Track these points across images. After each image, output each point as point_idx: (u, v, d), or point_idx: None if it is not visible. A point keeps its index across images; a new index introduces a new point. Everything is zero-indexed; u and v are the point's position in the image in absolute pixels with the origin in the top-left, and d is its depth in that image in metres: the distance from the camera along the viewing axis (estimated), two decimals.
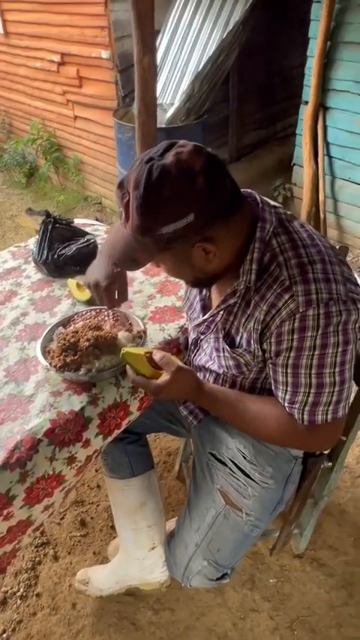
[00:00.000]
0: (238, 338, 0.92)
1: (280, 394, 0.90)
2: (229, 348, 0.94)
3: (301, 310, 0.79)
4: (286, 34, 3.84)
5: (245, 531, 1.10)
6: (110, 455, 1.32)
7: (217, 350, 0.99)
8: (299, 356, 0.82)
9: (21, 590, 1.51)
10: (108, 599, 1.47)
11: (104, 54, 3.16)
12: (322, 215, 3.12)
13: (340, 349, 0.81)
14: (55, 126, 4.15)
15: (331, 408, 0.86)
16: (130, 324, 1.21)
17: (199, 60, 2.97)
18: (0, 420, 1.02)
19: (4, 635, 1.40)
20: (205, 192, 0.76)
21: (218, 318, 0.96)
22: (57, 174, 4.39)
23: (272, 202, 0.91)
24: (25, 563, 1.57)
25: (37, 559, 1.59)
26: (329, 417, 0.87)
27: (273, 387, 0.92)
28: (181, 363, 0.96)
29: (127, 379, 1.08)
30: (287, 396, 0.88)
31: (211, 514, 1.11)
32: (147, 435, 1.44)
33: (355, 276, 0.88)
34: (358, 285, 0.85)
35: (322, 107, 2.93)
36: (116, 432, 1.11)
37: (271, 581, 1.50)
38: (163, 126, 2.82)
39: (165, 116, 2.91)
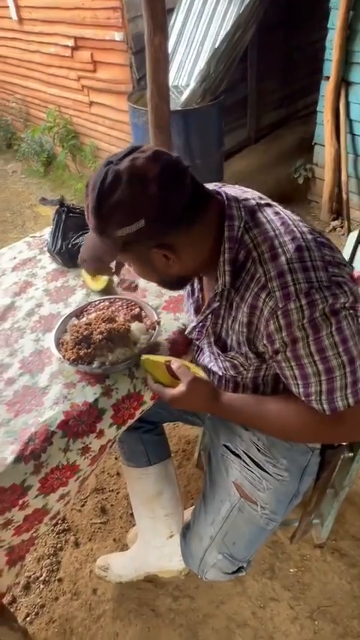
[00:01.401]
0: (229, 341, 0.91)
1: (294, 389, 0.86)
2: (221, 352, 0.92)
3: (281, 306, 0.75)
4: (305, 6, 3.68)
5: (261, 525, 1.08)
6: (126, 443, 1.33)
7: (213, 354, 0.97)
8: (296, 348, 0.79)
9: (43, 575, 1.54)
10: (128, 585, 1.49)
11: (117, 36, 3.09)
12: (344, 196, 3.02)
13: (333, 328, 0.76)
14: (71, 113, 4.12)
15: (349, 391, 0.81)
16: (144, 314, 1.19)
17: (215, 38, 2.88)
18: (15, 412, 1.02)
19: (28, 619, 1.44)
20: (157, 199, 0.74)
21: (208, 323, 0.94)
22: (74, 162, 4.37)
23: (244, 195, 0.88)
24: (47, 549, 1.60)
25: (59, 545, 1.62)
26: (351, 400, 0.82)
27: (286, 384, 0.88)
28: (200, 373, 0.95)
29: (144, 382, 1.07)
30: (301, 390, 0.85)
31: (226, 507, 1.10)
32: (165, 424, 1.43)
33: (340, 255, 0.83)
34: (343, 265, 0.81)
35: (344, 82, 2.80)
36: (130, 422, 1.11)
37: (291, 570, 1.49)
38: (179, 108, 2.76)
39: (181, 98, 2.84)
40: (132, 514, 1.66)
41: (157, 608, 1.44)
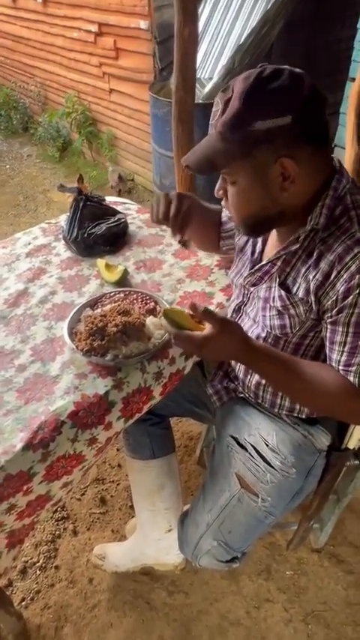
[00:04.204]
0: (295, 288, 0.89)
1: (334, 356, 0.86)
2: (284, 294, 0.91)
3: None
4: (336, 4, 3.62)
5: (259, 517, 1.08)
6: (132, 435, 1.33)
7: (267, 301, 0.95)
8: None
9: (40, 561, 1.55)
10: (124, 576, 1.49)
11: (143, 24, 3.06)
12: None
13: None
14: (90, 99, 4.09)
15: None
16: (159, 309, 1.19)
17: (242, 31, 2.84)
18: (25, 399, 1.02)
19: (23, 603, 1.45)
20: (308, 102, 0.77)
21: (274, 270, 0.93)
22: (90, 150, 4.35)
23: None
24: (46, 535, 1.61)
25: (57, 532, 1.62)
26: None
27: (327, 350, 0.88)
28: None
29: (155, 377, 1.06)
30: (343, 358, 0.84)
31: (225, 496, 1.10)
32: (169, 419, 1.43)
33: None
34: None
35: None
36: (137, 416, 1.10)
37: (287, 573, 1.49)
38: (201, 102, 2.73)
39: (203, 91, 2.81)
40: (131, 506, 1.67)
41: (152, 601, 1.45)
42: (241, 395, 1.14)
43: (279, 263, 0.92)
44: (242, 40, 2.78)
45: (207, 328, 0.86)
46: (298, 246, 0.87)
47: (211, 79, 2.86)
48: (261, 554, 1.53)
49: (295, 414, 1.05)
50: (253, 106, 0.76)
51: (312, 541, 1.53)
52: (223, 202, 0.94)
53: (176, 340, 0.89)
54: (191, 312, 0.89)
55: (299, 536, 1.36)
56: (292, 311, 0.91)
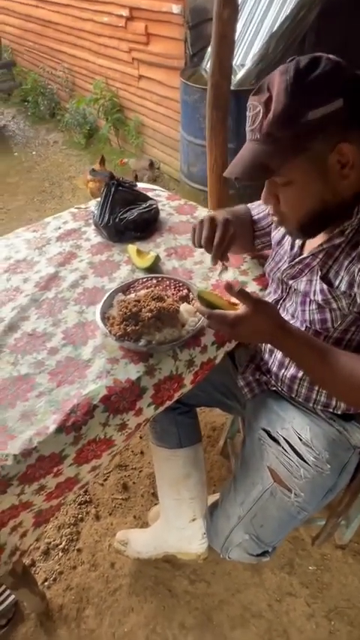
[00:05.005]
0: (337, 281, 0.87)
1: None
2: (326, 287, 0.89)
3: None
4: None
5: (291, 512, 1.06)
6: (160, 424, 1.32)
7: (307, 295, 0.93)
8: None
9: (63, 543, 1.57)
10: (145, 562, 1.50)
11: (175, 8, 3.00)
12: None
13: None
14: (118, 85, 4.06)
15: None
16: (192, 296, 1.17)
17: (276, 17, 2.76)
18: (57, 382, 1.02)
19: (46, 583, 1.47)
20: (355, 82, 0.75)
21: (315, 262, 0.92)
22: (116, 137, 4.33)
23: None
24: (68, 518, 1.63)
25: (80, 516, 1.64)
26: None
27: None
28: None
29: (187, 364, 1.05)
30: None
31: (258, 489, 1.08)
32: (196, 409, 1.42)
33: None
34: None
35: None
36: (167, 403, 1.10)
37: (310, 568, 1.48)
38: (232, 88, 2.67)
39: (235, 78, 2.75)
40: (153, 494, 1.67)
41: (173, 588, 1.45)
42: (274, 388, 1.12)
43: (321, 256, 0.90)
44: (277, 25, 2.70)
45: (241, 308, 0.85)
46: (343, 239, 0.86)
47: (243, 65, 2.80)
48: (284, 548, 1.52)
49: (331, 410, 1.03)
50: (301, 98, 0.74)
51: (336, 537, 1.50)
52: (271, 209, 0.91)
53: (210, 319, 0.87)
54: (226, 298, 0.90)
55: (326, 532, 1.33)
56: (333, 305, 0.89)
